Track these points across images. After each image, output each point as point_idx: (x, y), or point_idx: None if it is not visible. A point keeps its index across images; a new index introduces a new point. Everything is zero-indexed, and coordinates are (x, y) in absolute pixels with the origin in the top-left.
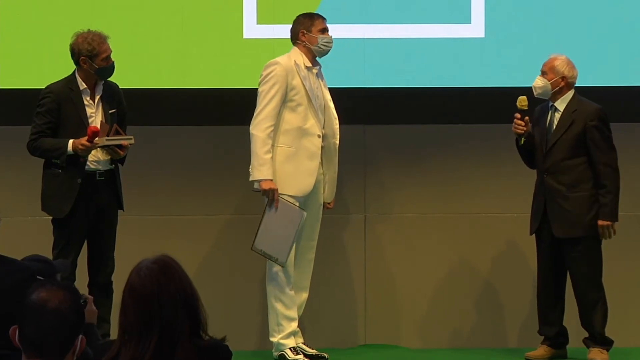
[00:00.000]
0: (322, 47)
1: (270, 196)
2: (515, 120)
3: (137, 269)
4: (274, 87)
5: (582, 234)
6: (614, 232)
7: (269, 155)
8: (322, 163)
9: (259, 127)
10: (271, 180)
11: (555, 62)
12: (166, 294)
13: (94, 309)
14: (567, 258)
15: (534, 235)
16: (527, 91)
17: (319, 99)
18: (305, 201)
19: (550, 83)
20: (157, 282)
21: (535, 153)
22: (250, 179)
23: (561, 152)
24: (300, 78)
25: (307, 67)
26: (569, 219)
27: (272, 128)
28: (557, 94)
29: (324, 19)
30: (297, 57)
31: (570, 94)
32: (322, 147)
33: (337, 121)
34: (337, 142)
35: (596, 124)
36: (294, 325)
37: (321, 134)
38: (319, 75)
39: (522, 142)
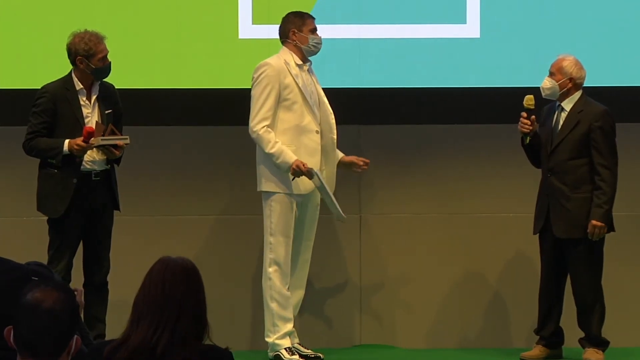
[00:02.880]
0: (312, 47)
1: (304, 170)
2: (521, 119)
3: (169, 256)
4: (267, 88)
5: (582, 235)
6: (604, 234)
7: (279, 143)
8: (320, 159)
9: (257, 128)
10: (295, 159)
11: (564, 63)
12: (195, 285)
13: (82, 301)
14: (567, 259)
15: (530, 235)
16: (522, 91)
17: (313, 95)
18: (303, 201)
19: (559, 84)
20: (192, 268)
21: (540, 152)
22: (286, 172)
23: (565, 152)
24: (292, 76)
25: (297, 65)
26: (570, 220)
27: (268, 127)
28: (564, 94)
29: (313, 19)
30: (286, 56)
31: (577, 94)
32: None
33: (332, 116)
34: (335, 136)
35: (600, 125)
36: (289, 326)
37: (319, 130)
38: (310, 71)
39: (528, 141)
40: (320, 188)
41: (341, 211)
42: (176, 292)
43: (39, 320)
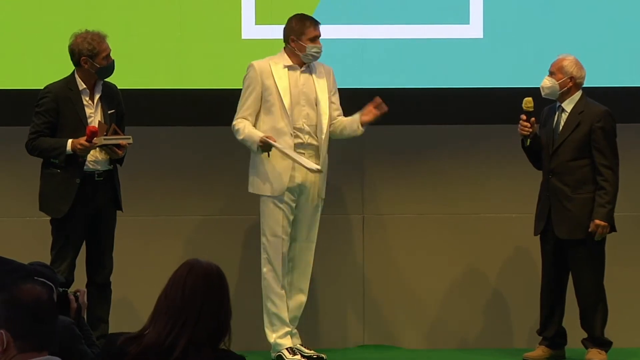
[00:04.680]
0: (309, 56)
1: (269, 142)
2: (520, 121)
3: (198, 259)
4: (248, 89)
5: (584, 235)
6: (606, 234)
7: (247, 129)
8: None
9: (234, 123)
10: (260, 135)
11: (564, 63)
12: (218, 293)
13: (85, 302)
14: (569, 259)
15: (532, 236)
16: (525, 92)
17: (309, 96)
18: (298, 204)
19: (559, 83)
20: (217, 274)
21: (541, 154)
22: (259, 154)
23: (567, 153)
24: (274, 78)
25: (287, 67)
26: (572, 220)
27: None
28: (565, 94)
29: (316, 25)
30: (279, 57)
31: (578, 94)
32: (306, 144)
33: (326, 116)
34: (324, 137)
35: (602, 125)
36: (286, 324)
37: (292, 133)
38: (310, 71)
39: (528, 143)
40: (285, 155)
41: (313, 165)
42: (196, 298)
43: None
